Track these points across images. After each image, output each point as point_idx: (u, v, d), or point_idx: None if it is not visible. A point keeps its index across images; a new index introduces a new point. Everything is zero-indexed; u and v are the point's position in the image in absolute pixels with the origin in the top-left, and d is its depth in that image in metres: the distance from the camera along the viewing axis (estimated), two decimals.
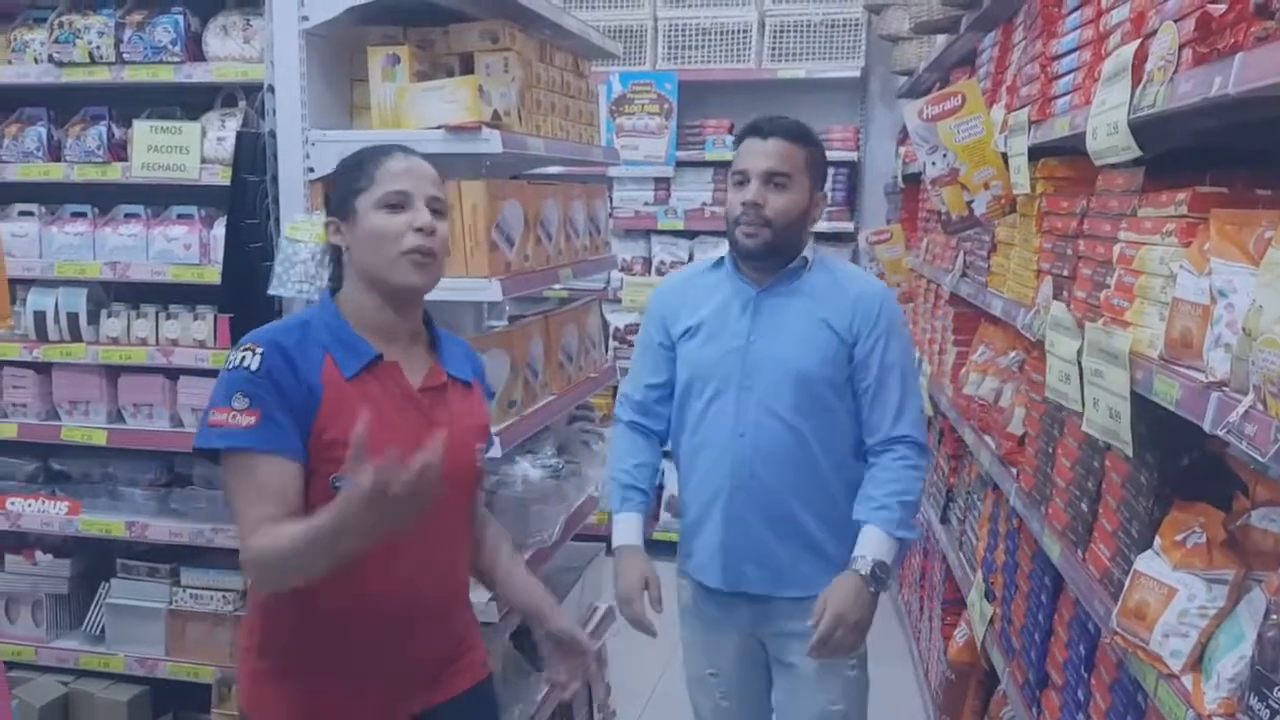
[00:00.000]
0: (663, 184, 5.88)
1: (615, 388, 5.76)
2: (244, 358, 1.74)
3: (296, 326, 1.83)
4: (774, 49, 5.67)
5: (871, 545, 2.29)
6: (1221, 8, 1.45)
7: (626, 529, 2.46)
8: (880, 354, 2.34)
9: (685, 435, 2.47)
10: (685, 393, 2.44)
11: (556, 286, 3.42)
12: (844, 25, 5.61)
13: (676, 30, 5.79)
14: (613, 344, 5.62)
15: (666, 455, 2.60)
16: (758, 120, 2.36)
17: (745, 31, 5.69)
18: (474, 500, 2.02)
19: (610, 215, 3.83)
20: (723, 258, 2.46)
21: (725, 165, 5.76)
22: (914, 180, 5.00)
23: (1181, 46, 1.57)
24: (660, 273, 5.87)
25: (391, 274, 1.81)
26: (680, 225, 5.83)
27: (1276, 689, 1.28)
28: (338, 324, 1.82)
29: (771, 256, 2.35)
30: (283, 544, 1.63)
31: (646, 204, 5.88)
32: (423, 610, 1.88)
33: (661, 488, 5.60)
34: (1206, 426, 1.40)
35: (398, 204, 1.80)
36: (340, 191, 1.87)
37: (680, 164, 5.81)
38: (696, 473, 2.45)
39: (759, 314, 2.37)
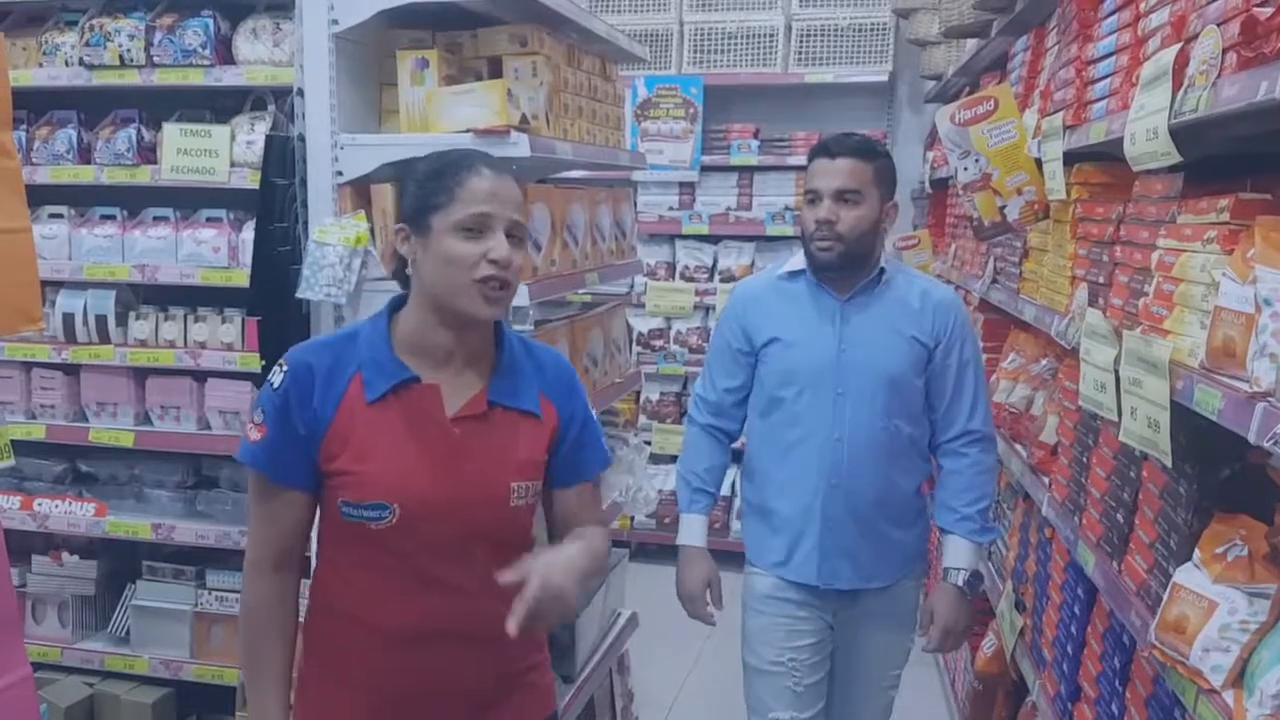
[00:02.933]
0: (687, 188, 5.86)
1: (639, 393, 5.80)
2: (274, 373, 1.72)
3: (340, 341, 1.76)
4: (801, 53, 5.65)
5: (960, 556, 2.52)
6: (1268, 11, 1.42)
7: (692, 530, 2.62)
8: (958, 354, 2.49)
9: (769, 438, 2.54)
10: (772, 398, 2.52)
11: (581, 291, 3.40)
12: (872, 29, 5.58)
13: (702, 34, 5.77)
14: (637, 349, 5.60)
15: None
16: (826, 140, 2.47)
17: (772, 35, 5.66)
18: (510, 537, 1.78)
19: (634, 219, 3.82)
20: (800, 270, 2.54)
21: (751, 170, 5.78)
22: (941, 185, 4.96)
23: (1225, 50, 1.55)
24: (685, 278, 5.86)
25: (458, 301, 1.67)
26: (705, 230, 5.81)
27: None
28: (379, 342, 1.73)
29: (847, 268, 2.45)
30: (248, 629, 1.77)
31: (671, 209, 5.87)
32: (452, 644, 1.75)
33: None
34: (1251, 438, 1.37)
35: (476, 229, 1.66)
36: (416, 201, 1.71)
37: (705, 168, 5.79)
38: (785, 474, 2.52)
39: (846, 324, 2.47)
